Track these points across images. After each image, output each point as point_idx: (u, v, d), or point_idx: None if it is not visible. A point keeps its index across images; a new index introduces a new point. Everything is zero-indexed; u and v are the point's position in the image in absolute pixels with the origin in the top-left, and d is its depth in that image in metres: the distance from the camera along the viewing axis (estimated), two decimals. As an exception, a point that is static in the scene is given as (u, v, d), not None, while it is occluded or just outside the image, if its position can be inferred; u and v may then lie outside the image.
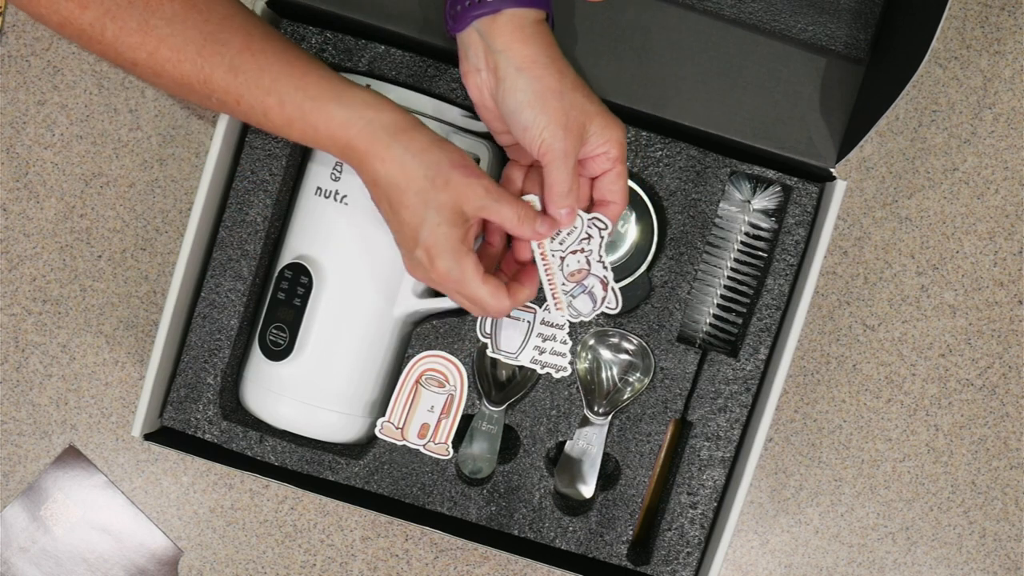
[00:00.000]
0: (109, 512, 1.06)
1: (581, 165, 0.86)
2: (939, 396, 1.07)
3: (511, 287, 0.85)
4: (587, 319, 0.89)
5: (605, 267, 0.88)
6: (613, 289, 0.88)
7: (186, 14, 0.78)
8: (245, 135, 0.94)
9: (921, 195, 1.06)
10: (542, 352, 0.93)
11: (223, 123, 0.90)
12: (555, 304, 0.89)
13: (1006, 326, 1.07)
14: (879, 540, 1.07)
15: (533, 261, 0.87)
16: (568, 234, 0.87)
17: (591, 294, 0.89)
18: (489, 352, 0.92)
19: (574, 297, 0.89)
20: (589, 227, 0.87)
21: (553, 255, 0.87)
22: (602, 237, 0.87)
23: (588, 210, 0.87)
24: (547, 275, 0.88)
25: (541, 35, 0.83)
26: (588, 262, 0.88)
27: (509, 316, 0.92)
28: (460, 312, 0.93)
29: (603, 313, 0.89)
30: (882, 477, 1.07)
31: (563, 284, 0.89)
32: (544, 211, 0.86)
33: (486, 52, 0.83)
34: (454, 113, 0.92)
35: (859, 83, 0.94)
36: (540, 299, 0.93)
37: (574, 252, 0.87)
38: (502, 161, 0.95)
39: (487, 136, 0.94)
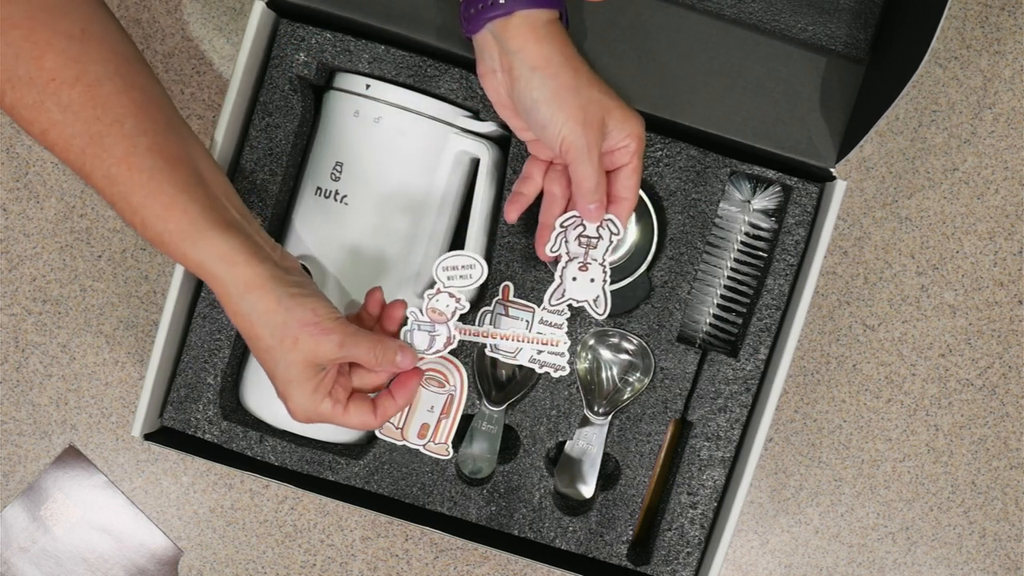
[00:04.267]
0: (109, 512, 1.06)
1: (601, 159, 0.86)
2: (939, 396, 1.07)
3: (379, 403, 0.85)
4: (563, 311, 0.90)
5: (605, 271, 0.88)
6: (605, 293, 0.88)
7: (80, 106, 0.75)
8: (246, 135, 0.94)
9: (921, 195, 1.06)
10: (540, 351, 0.93)
11: (223, 123, 0.90)
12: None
13: (1006, 326, 1.07)
14: (879, 540, 1.07)
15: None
16: (576, 226, 0.87)
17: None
18: (488, 352, 0.92)
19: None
20: (601, 227, 0.87)
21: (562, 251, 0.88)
22: (611, 241, 0.87)
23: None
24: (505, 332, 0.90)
25: (554, 34, 0.83)
26: (590, 257, 0.88)
27: (507, 316, 0.92)
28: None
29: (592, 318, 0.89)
30: (882, 477, 1.07)
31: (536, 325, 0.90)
32: (576, 206, 0.86)
33: (500, 53, 0.83)
34: (454, 113, 0.92)
35: (859, 83, 0.93)
36: (539, 299, 0.93)
37: (580, 244, 0.88)
38: (504, 162, 0.95)
39: (487, 136, 0.94)
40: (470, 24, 0.84)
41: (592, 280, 0.88)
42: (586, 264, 0.88)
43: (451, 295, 0.88)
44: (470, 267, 0.88)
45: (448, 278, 0.88)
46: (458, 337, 0.89)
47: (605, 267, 0.88)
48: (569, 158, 0.84)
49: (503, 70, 0.84)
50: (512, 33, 0.82)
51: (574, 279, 0.88)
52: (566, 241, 0.88)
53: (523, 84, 0.83)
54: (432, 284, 0.89)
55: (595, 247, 0.88)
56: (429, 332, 0.88)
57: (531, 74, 0.82)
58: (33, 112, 0.75)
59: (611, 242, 0.87)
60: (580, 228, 0.88)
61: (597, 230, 0.88)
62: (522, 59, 0.82)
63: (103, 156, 0.76)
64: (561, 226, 0.88)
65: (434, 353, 0.89)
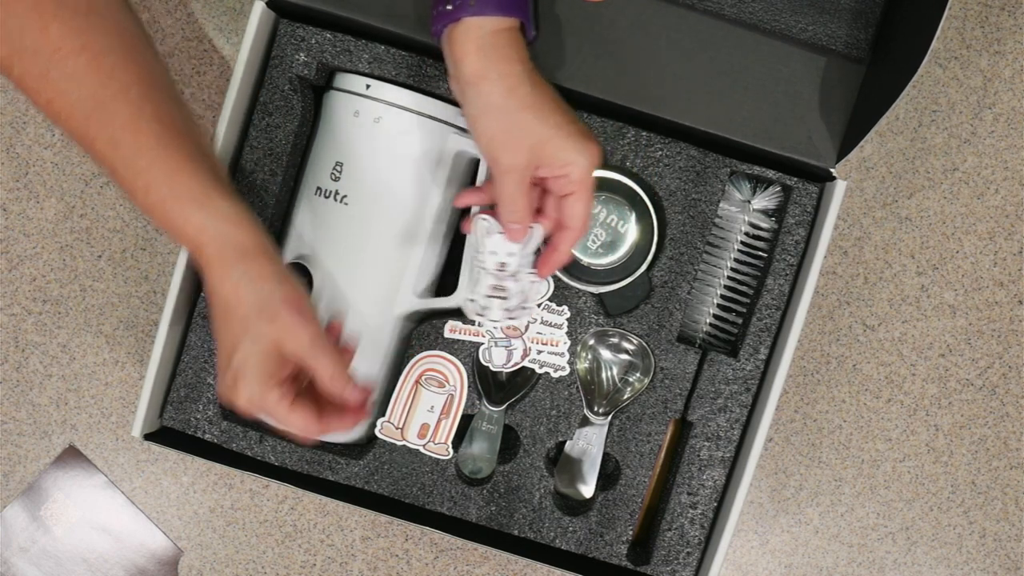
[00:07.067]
0: (109, 512, 1.06)
1: (544, 184, 0.85)
2: (939, 396, 1.07)
3: (327, 413, 0.82)
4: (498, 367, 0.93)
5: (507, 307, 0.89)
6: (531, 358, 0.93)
7: (85, 74, 0.76)
8: (246, 135, 0.94)
9: (921, 195, 1.06)
10: (540, 351, 0.93)
11: (223, 123, 0.90)
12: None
13: (1006, 326, 1.07)
14: (879, 540, 1.07)
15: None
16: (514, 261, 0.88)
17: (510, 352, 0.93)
18: (482, 360, 0.93)
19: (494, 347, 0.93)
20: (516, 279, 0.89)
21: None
22: (521, 295, 0.89)
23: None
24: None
25: (499, 46, 0.81)
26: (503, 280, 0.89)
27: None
28: (461, 312, 0.93)
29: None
30: (882, 477, 1.07)
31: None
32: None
33: (449, 61, 0.83)
34: (454, 113, 0.92)
35: (859, 83, 0.94)
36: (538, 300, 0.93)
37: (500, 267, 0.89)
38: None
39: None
40: (432, 27, 0.83)
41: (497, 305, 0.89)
42: (502, 287, 0.88)
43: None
44: (537, 284, 0.90)
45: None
46: (533, 348, 0.92)
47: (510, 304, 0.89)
48: (492, 174, 0.84)
49: (452, 77, 0.83)
50: (457, 40, 0.81)
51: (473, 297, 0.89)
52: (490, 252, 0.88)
53: (461, 96, 0.83)
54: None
55: (507, 286, 0.88)
56: (506, 347, 0.92)
57: (467, 86, 0.81)
58: (40, 83, 0.76)
59: (520, 298, 0.89)
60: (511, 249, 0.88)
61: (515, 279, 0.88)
62: (461, 69, 0.81)
63: (107, 121, 0.77)
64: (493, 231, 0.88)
65: (512, 367, 0.93)
